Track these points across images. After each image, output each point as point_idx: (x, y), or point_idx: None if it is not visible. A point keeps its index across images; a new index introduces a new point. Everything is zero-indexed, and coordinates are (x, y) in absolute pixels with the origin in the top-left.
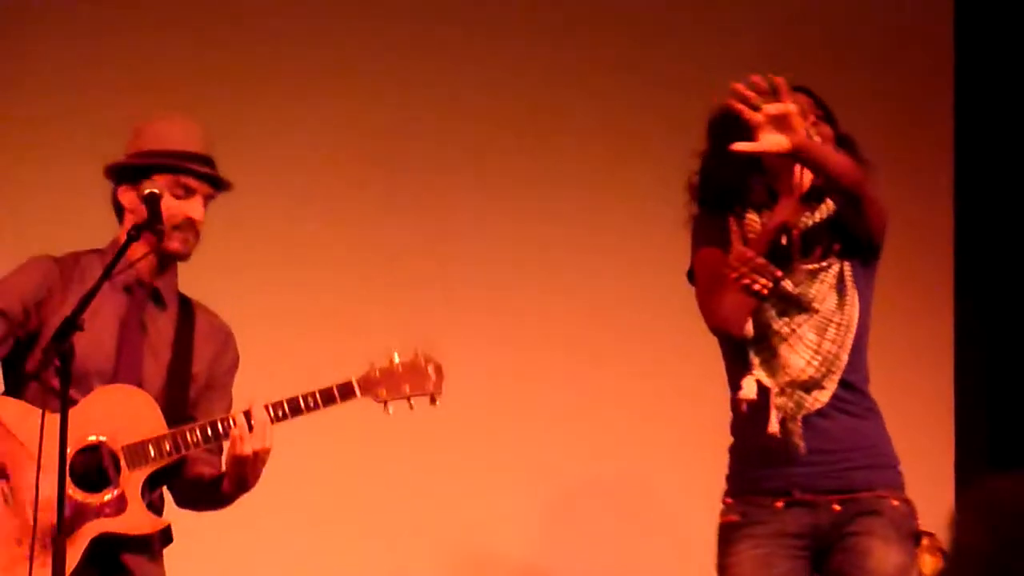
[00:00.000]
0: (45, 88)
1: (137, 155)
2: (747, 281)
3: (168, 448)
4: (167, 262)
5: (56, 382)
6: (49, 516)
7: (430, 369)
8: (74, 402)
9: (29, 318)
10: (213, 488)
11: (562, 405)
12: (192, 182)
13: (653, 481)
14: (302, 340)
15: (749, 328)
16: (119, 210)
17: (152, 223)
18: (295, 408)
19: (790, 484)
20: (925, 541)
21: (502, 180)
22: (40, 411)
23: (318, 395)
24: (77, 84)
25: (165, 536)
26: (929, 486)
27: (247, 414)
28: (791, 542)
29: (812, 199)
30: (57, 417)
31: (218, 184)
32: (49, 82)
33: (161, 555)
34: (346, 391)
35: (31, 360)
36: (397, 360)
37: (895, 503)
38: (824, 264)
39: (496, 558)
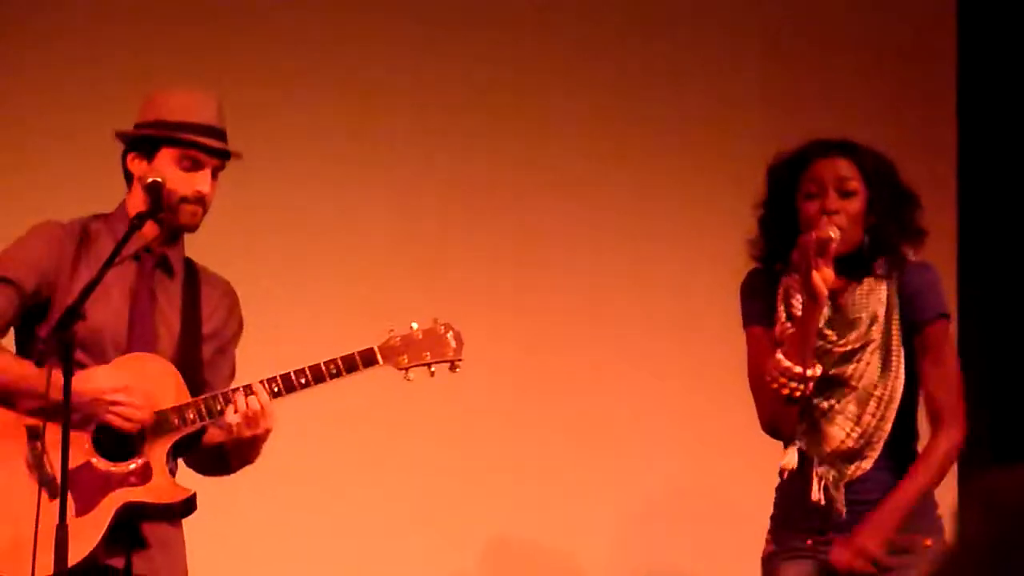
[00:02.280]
0: (55, 49)
1: (147, 125)
2: (785, 392)
3: (192, 416)
4: (175, 234)
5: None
6: (76, 488)
7: (450, 336)
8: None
9: (40, 287)
10: (225, 455)
11: (585, 402)
12: (200, 155)
13: (683, 478)
14: (317, 320)
15: None
16: (128, 176)
17: (154, 212)
18: (318, 376)
19: (826, 527)
20: None
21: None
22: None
23: (340, 362)
24: (90, 54)
25: (188, 505)
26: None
27: (247, 388)
28: (827, 566)
29: (854, 270)
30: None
31: (226, 156)
32: (62, 41)
33: (180, 524)
34: (368, 358)
35: (43, 327)
36: (416, 328)
37: (928, 543)
38: (860, 345)
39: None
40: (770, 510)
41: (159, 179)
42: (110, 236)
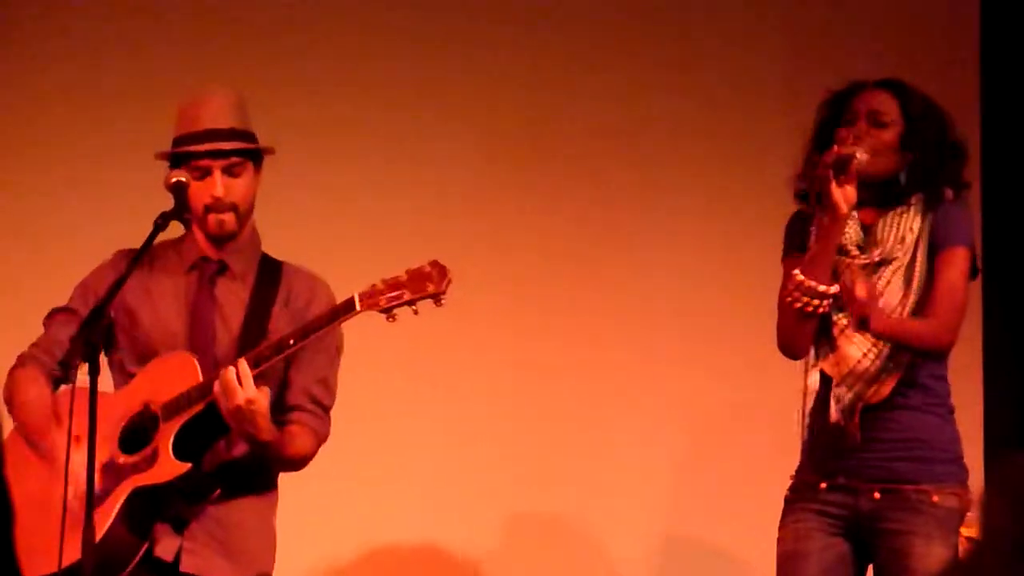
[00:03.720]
0: (115, 84)
1: (172, 143)
2: (798, 305)
3: (196, 395)
4: (219, 242)
5: (123, 361)
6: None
7: (433, 272)
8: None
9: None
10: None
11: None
12: (201, 163)
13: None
14: None
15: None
16: None
17: (179, 212)
18: (305, 331)
19: (838, 469)
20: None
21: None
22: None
23: (323, 316)
24: (127, 72)
25: (198, 482)
26: None
27: (229, 370)
28: (831, 521)
29: (888, 201)
30: (99, 397)
31: (238, 152)
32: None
33: (245, 507)
34: (348, 305)
35: (114, 351)
36: (404, 271)
37: (936, 499)
38: (884, 259)
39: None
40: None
41: (182, 179)
42: (176, 254)
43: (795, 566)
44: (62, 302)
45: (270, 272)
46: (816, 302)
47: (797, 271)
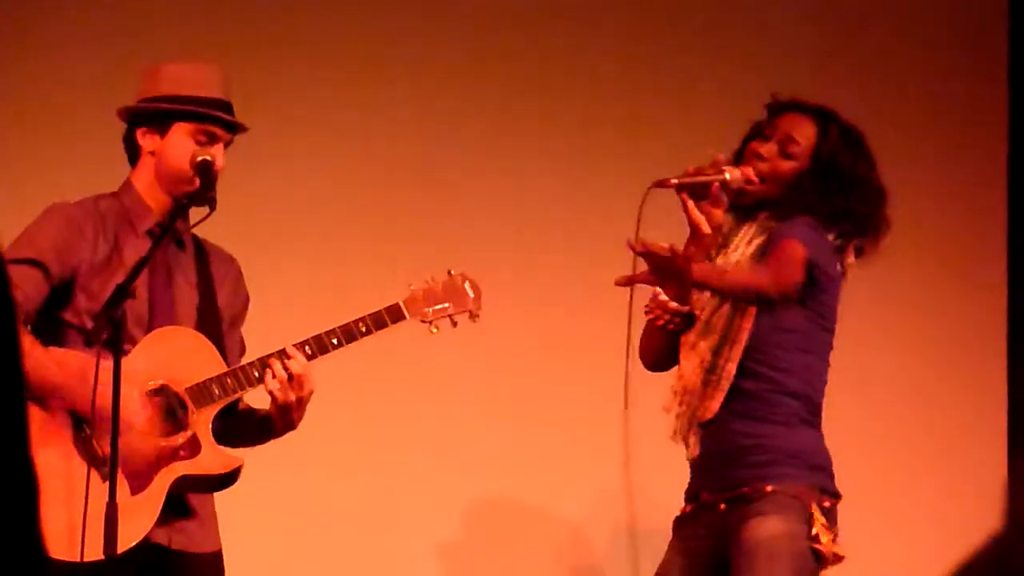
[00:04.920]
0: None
1: (156, 99)
2: (650, 316)
3: (231, 384)
4: (185, 209)
5: (81, 321)
6: (128, 466)
7: (467, 287)
8: (125, 352)
9: (63, 269)
10: (264, 425)
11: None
12: (216, 129)
13: None
14: (336, 291)
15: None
16: (132, 152)
17: (204, 191)
18: (349, 335)
19: (697, 488)
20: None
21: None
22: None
23: (369, 320)
24: (95, 31)
25: (235, 476)
26: (982, 457)
27: (283, 353)
28: (698, 543)
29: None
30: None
31: (235, 129)
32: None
33: (212, 495)
34: (395, 313)
35: (68, 310)
36: (434, 280)
37: (769, 488)
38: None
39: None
40: None
41: (207, 157)
42: (121, 213)
43: None
44: None
45: (200, 248)
46: (667, 317)
47: (658, 288)
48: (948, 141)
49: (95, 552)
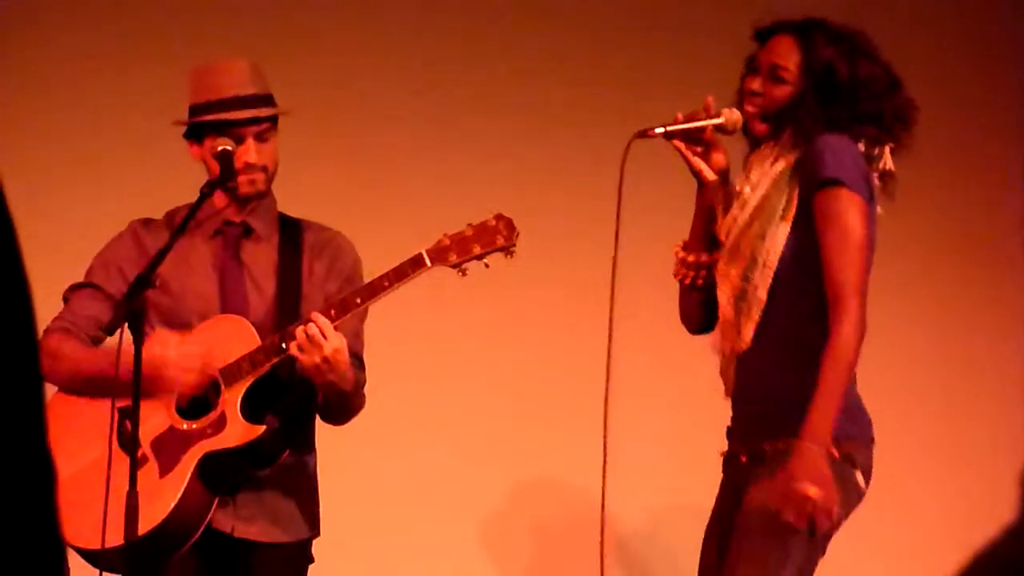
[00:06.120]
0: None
1: (190, 111)
2: (678, 278)
3: (261, 358)
4: (245, 203)
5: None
6: (160, 451)
7: (500, 224)
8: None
9: (125, 284)
10: (329, 409)
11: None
12: (234, 131)
13: None
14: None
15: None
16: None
17: (224, 180)
18: (372, 291)
19: (728, 435)
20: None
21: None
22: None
23: (391, 273)
24: (145, 33)
25: (269, 447)
26: (998, 447)
27: (306, 324)
28: (721, 513)
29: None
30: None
31: (269, 118)
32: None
33: (296, 476)
34: (417, 262)
35: (154, 317)
36: (467, 225)
37: (766, 448)
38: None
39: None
40: None
41: (228, 147)
42: (193, 221)
43: (704, 547)
44: (70, 279)
45: (291, 231)
46: (692, 274)
47: (678, 245)
48: (965, 130)
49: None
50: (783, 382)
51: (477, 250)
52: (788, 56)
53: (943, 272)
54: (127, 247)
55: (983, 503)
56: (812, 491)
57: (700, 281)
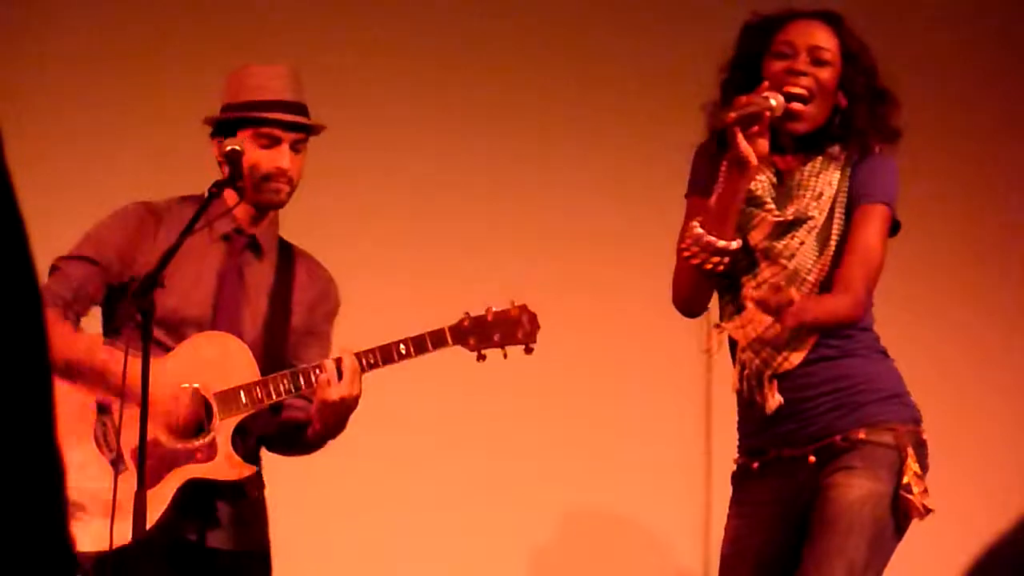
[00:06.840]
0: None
1: (227, 107)
2: (696, 262)
3: (259, 395)
4: (263, 211)
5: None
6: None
7: (524, 318)
8: (168, 349)
9: (123, 267)
10: (300, 433)
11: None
12: (275, 131)
13: None
14: (402, 294)
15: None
16: (221, 161)
17: (232, 180)
18: (387, 355)
19: (765, 443)
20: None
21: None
22: (137, 358)
23: (410, 343)
24: (181, 33)
25: (252, 484)
26: (1009, 442)
27: (338, 361)
28: (767, 511)
29: (810, 149)
30: (148, 365)
31: (306, 129)
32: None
33: (261, 498)
34: (438, 339)
35: (121, 308)
36: (490, 309)
37: (862, 435)
38: (799, 217)
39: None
40: None
41: (237, 147)
42: (203, 218)
43: (732, 569)
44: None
45: (287, 256)
46: (716, 259)
47: (696, 222)
48: (983, 132)
49: (118, 541)
50: (836, 382)
51: (497, 340)
52: (826, 39)
53: (954, 268)
54: (128, 230)
55: (995, 498)
56: (795, 294)
57: (721, 268)
